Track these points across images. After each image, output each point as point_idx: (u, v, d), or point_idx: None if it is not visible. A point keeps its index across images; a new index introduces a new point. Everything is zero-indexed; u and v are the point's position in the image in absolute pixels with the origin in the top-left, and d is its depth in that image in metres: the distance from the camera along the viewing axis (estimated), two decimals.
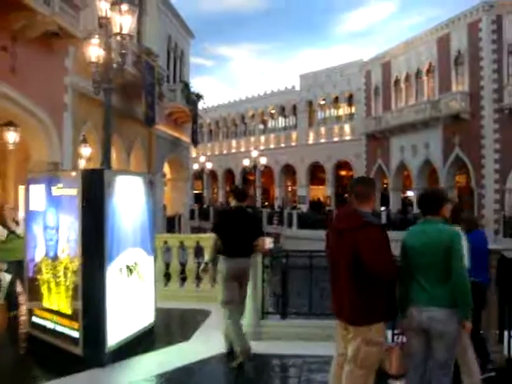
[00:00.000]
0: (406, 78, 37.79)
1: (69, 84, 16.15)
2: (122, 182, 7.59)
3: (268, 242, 8.00)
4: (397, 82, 38.81)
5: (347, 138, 44.91)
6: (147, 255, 8.34)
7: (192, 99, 27.83)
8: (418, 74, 36.57)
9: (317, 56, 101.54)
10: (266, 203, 52.37)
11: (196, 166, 50.09)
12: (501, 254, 7.02)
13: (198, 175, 52.39)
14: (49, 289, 7.64)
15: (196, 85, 30.96)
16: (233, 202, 7.35)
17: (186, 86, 27.20)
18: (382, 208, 38.85)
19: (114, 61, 10.45)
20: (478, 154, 30.25)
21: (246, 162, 45.53)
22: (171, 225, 27.64)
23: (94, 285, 6.99)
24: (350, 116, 45.59)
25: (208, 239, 8.71)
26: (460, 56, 32.37)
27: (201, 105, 32.51)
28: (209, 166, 51.86)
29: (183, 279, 11.63)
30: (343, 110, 46.20)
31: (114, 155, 20.97)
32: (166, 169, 29.28)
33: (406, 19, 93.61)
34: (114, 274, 7.25)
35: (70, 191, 7.26)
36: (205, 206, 51.76)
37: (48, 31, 14.12)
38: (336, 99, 46.26)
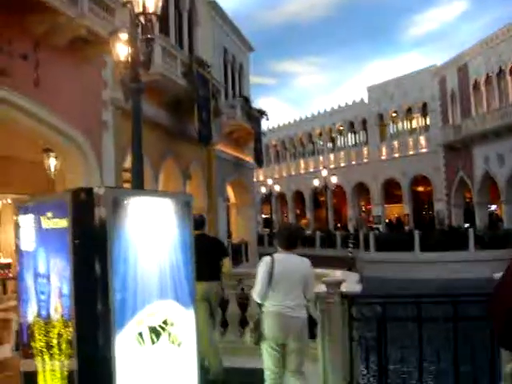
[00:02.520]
0: (487, 81, 34.49)
1: (108, 99, 14.10)
2: (139, 205, 5.22)
3: None
4: (476, 85, 35.52)
5: (423, 150, 41.74)
6: (184, 308, 5.85)
7: (254, 116, 25.64)
8: (501, 74, 33.20)
9: (385, 65, 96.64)
10: (339, 225, 49.51)
11: (263, 190, 47.95)
12: None
13: (266, 198, 50.18)
14: (43, 362, 5.33)
15: (259, 105, 29.24)
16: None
17: (247, 101, 25.04)
18: (466, 225, 35.50)
19: (140, 53, 8.14)
20: None
21: (316, 183, 43.06)
22: (237, 254, 25.29)
23: (94, 364, 4.64)
24: (425, 127, 42.43)
25: None
26: None
27: (265, 124, 30.35)
28: (277, 188, 49.55)
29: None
30: (417, 120, 43.09)
31: (168, 180, 18.97)
32: (230, 193, 27.10)
33: (479, 18, 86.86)
34: (128, 344, 4.85)
35: (60, 222, 4.96)
36: (274, 230, 49.35)
37: (78, 37, 12.09)
38: (408, 110, 43.23)
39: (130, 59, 8.36)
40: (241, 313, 8.99)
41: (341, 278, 6.03)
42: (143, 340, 5.07)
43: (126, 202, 4.98)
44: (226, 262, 7.52)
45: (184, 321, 5.80)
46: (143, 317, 5.08)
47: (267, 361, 5.49)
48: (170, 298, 5.58)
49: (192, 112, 18.15)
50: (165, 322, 5.45)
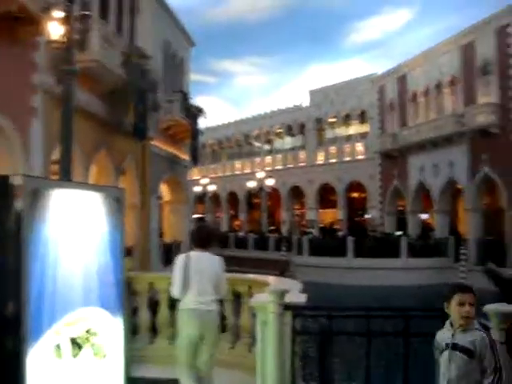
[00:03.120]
0: (425, 92, 34.89)
1: (39, 84, 13.15)
2: (63, 198, 4.54)
3: None
4: (414, 96, 35.91)
5: (360, 157, 41.99)
6: (111, 316, 5.20)
7: (192, 113, 24.92)
8: (439, 86, 33.66)
9: (326, 70, 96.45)
10: (272, 228, 49.28)
11: (198, 189, 47.20)
12: None
13: (200, 198, 49.45)
14: None
15: (197, 103, 28.44)
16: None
17: (186, 97, 24.31)
18: (398, 232, 35.85)
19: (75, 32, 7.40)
20: (510, 171, 27.16)
21: (251, 184, 42.70)
22: (169, 254, 24.48)
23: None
24: (363, 134, 42.68)
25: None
26: (487, 65, 29.45)
27: (203, 122, 29.63)
28: (211, 188, 48.88)
29: None
30: (355, 127, 43.31)
31: (100, 174, 18.10)
32: (164, 190, 26.29)
33: (423, 28, 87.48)
34: (43, 358, 4.18)
35: None
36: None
37: (8, 13, 11.14)
38: (347, 116, 43.41)
39: (63, 38, 7.62)
40: (152, 318, 8.41)
41: (285, 288, 5.50)
42: (62, 353, 4.42)
43: (47, 193, 4.32)
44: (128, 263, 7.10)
45: (110, 330, 5.17)
46: (63, 326, 4.43)
47: (182, 355, 5.83)
48: (96, 304, 4.94)
49: (128, 104, 17.33)
50: (88, 332, 4.80)
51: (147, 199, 21.22)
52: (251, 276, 8.64)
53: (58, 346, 4.37)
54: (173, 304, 9.18)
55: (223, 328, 6.19)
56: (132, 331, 8.52)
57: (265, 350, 5.53)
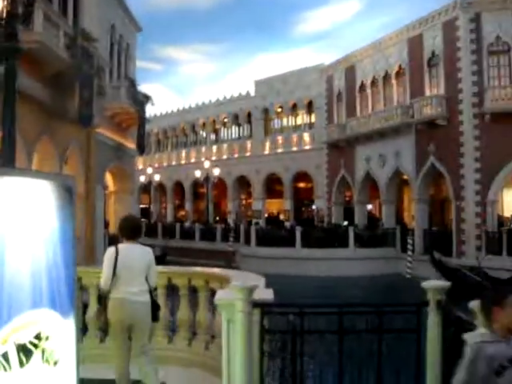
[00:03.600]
0: (373, 83, 34.98)
1: None
2: (7, 188, 3.98)
3: None
4: (362, 86, 35.96)
5: (306, 147, 41.88)
6: (62, 317, 4.67)
7: (139, 100, 24.17)
8: (387, 77, 33.77)
9: (274, 60, 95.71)
10: (218, 218, 48.85)
11: (143, 179, 46.30)
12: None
13: (145, 188, 48.52)
14: None
15: (143, 91, 27.61)
16: None
17: (132, 83, 23.57)
18: (345, 222, 36.02)
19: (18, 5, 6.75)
20: (456, 163, 27.53)
21: (197, 174, 42.14)
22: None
23: None
24: (310, 124, 42.63)
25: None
26: (434, 57, 29.69)
27: (148, 110, 28.88)
28: (157, 178, 48.02)
29: None
30: (302, 117, 43.19)
31: (42, 163, 17.29)
32: (109, 180, 25.49)
33: (372, 20, 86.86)
34: None
35: None
36: (152, 221, 47.84)
37: None
38: (294, 106, 43.20)
39: (5, 12, 6.97)
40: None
41: (253, 284, 5.10)
42: (9, 363, 3.88)
43: None
44: None
45: (62, 333, 4.64)
46: (9, 332, 3.92)
47: (113, 347, 5.95)
48: (46, 306, 4.40)
49: (73, 89, 16.55)
50: (38, 337, 4.26)
51: (92, 188, 20.48)
52: (209, 270, 8.20)
53: (4, 356, 3.85)
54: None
55: (155, 317, 6.08)
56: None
57: (231, 350, 5.13)
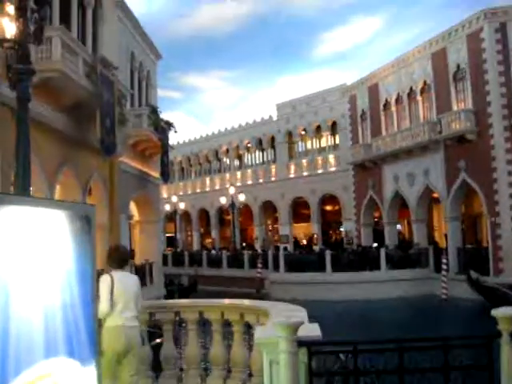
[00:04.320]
0: (397, 100, 34.35)
1: None
2: (16, 218, 3.43)
3: None
4: (386, 104, 35.35)
5: (332, 169, 41.28)
6: (81, 365, 4.07)
7: (161, 127, 23.80)
8: (411, 94, 33.13)
9: (295, 82, 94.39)
10: (244, 244, 48.20)
11: (168, 207, 45.97)
12: None
13: (170, 216, 48.19)
14: None
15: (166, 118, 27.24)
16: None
17: (154, 110, 23.19)
18: (375, 244, 35.19)
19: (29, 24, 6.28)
20: (488, 178, 26.66)
21: (223, 201, 41.73)
22: (141, 276, 23.23)
23: None
24: (335, 146, 42.05)
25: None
26: (460, 71, 29.01)
27: (172, 138, 28.54)
28: (181, 206, 47.65)
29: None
30: (326, 139, 42.65)
31: (64, 194, 16.90)
32: (133, 209, 25.07)
33: (393, 37, 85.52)
34: None
35: None
36: (178, 249, 47.37)
37: None
38: (318, 128, 42.72)
39: (16, 33, 6.51)
40: None
41: (297, 320, 4.46)
42: None
43: None
44: None
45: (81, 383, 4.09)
46: None
47: (106, 372, 5.70)
48: (62, 353, 3.82)
49: (94, 118, 16.16)
50: None
51: (116, 219, 19.99)
52: (244, 302, 7.56)
53: None
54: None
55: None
56: None
57: None
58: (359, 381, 4.51)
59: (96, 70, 15.72)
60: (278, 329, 4.33)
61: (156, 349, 7.78)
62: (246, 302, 7.56)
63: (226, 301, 7.84)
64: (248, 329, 7.38)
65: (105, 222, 19.38)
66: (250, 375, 7.02)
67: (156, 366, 7.51)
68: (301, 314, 5.82)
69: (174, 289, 28.96)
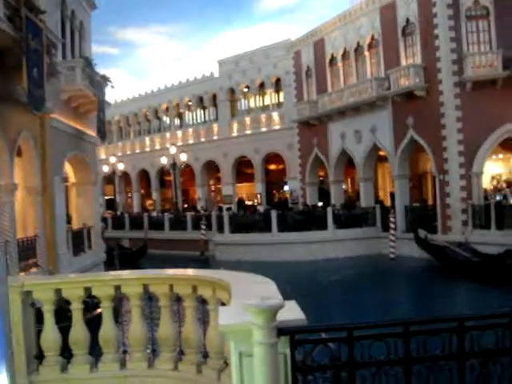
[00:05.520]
0: (344, 56, 33.39)
1: None
2: None
3: None
4: (332, 60, 34.36)
5: (276, 127, 40.26)
6: None
7: (97, 82, 22.10)
8: (358, 49, 32.21)
9: (238, 37, 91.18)
10: (186, 205, 46.97)
11: (106, 169, 44.14)
12: None
13: (109, 178, 46.37)
14: None
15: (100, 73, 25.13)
16: None
17: (89, 63, 21.44)
18: (320, 204, 34.63)
19: None
20: (437, 135, 26.17)
21: (163, 161, 40.23)
22: (79, 242, 21.82)
23: None
24: (279, 103, 40.96)
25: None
26: (409, 25, 28.19)
27: (109, 96, 26.83)
28: (120, 167, 45.87)
29: None
30: (270, 96, 41.43)
31: None
32: (69, 171, 23.45)
33: None
34: None
35: None
36: (118, 212, 45.75)
37: None
38: (261, 85, 41.43)
39: None
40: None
41: (278, 302, 3.40)
42: None
43: None
44: None
45: None
46: None
47: None
48: None
49: (19, 69, 14.48)
50: None
51: (50, 181, 18.44)
52: (197, 272, 6.45)
53: None
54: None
55: None
56: (37, 356, 6.38)
57: None
58: (355, 375, 3.53)
59: (20, 12, 14.00)
60: (252, 314, 3.27)
61: (92, 324, 6.66)
62: (201, 271, 6.46)
63: (176, 271, 6.72)
64: (202, 304, 6.33)
65: (37, 185, 17.88)
66: (205, 356, 5.98)
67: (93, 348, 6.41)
68: (272, 288, 4.76)
69: (114, 253, 27.56)
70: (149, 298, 6.50)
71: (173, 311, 6.36)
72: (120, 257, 30.20)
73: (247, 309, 3.28)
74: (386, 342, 3.53)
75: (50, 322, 6.27)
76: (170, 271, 6.77)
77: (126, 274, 6.96)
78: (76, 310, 6.29)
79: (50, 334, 6.25)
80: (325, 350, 3.58)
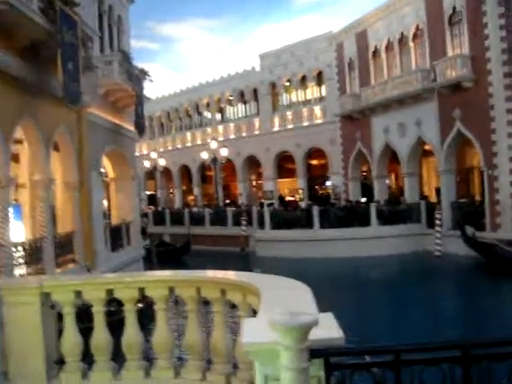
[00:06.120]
0: (388, 47, 32.42)
1: None
2: None
3: None
4: (376, 52, 33.43)
5: (318, 121, 39.47)
6: None
7: (135, 76, 21.81)
8: (403, 40, 31.19)
9: (278, 30, 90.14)
10: (228, 201, 46.61)
11: (148, 164, 44.15)
12: None
13: (151, 174, 46.37)
14: None
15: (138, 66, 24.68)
16: None
17: (127, 57, 21.17)
18: (363, 199, 33.83)
19: None
20: (486, 128, 25.07)
21: (204, 156, 39.97)
22: (117, 237, 21.62)
23: None
24: (321, 97, 40.17)
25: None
26: (456, 14, 27.06)
27: (149, 90, 26.54)
28: (162, 162, 45.72)
29: None
30: (312, 90, 40.64)
31: (24, 150, 15.13)
32: (107, 166, 23.28)
33: None
34: None
35: None
36: (160, 208, 45.71)
37: None
38: (303, 79, 40.68)
39: None
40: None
41: (311, 318, 2.85)
42: None
43: None
44: None
45: None
46: None
47: None
48: None
49: (55, 62, 14.21)
50: None
51: (87, 177, 18.24)
52: (227, 274, 5.90)
53: None
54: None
55: None
56: (57, 361, 5.99)
57: None
58: None
59: (54, 5, 13.71)
60: (279, 333, 2.73)
61: (115, 328, 6.20)
62: (231, 274, 5.92)
63: (205, 273, 6.20)
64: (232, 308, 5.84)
65: (74, 180, 17.69)
66: (235, 367, 5.45)
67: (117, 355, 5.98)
68: (307, 296, 4.20)
69: (150, 248, 27.36)
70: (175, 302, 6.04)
71: (201, 316, 5.89)
72: (163, 253, 30.12)
73: (273, 326, 2.74)
74: (440, 367, 2.94)
75: (71, 325, 5.86)
76: (199, 273, 6.26)
77: (150, 275, 6.51)
78: (98, 313, 5.87)
79: (71, 338, 5.85)
80: (367, 375, 3.01)
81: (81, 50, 15.57)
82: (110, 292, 5.82)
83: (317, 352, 2.81)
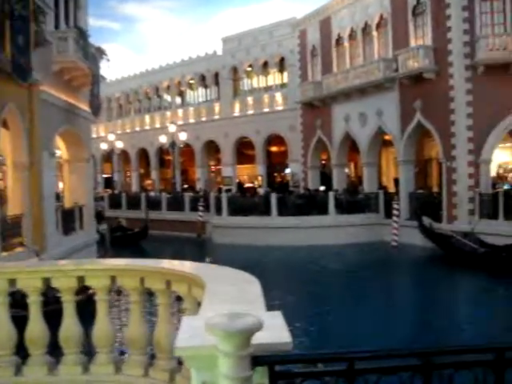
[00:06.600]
0: (351, 36, 32.22)
1: None
2: None
3: None
4: (339, 40, 33.19)
5: (279, 108, 39.22)
6: None
7: (91, 54, 21.09)
8: (366, 29, 31.00)
9: (242, 14, 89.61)
10: (186, 186, 46.04)
11: (104, 146, 43.21)
12: None
13: (108, 156, 45.46)
14: None
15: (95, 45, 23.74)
16: None
17: (83, 34, 20.42)
18: (322, 188, 33.71)
19: None
20: (446, 120, 25.09)
21: (163, 139, 39.32)
22: (70, 221, 20.96)
23: None
24: (282, 83, 39.87)
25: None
26: (420, 4, 26.93)
27: (108, 72, 25.77)
28: (119, 145, 44.86)
29: None
30: (273, 76, 40.30)
31: None
32: (61, 147, 22.54)
33: None
34: None
35: None
36: (116, 191, 44.87)
37: None
38: (265, 64, 40.31)
39: None
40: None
41: (253, 322, 2.50)
42: None
43: None
44: None
45: None
46: None
47: None
48: None
49: (3, 34, 13.52)
50: None
51: (38, 157, 17.55)
52: (172, 264, 5.52)
53: None
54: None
55: None
56: None
57: None
58: None
59: None
60: (218, 338, 2.38)
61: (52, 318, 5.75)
62: (176, 264, 5.53)
63: (149, 262, 5.80)
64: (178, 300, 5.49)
65: (24, 161, 17.01)
66: (180, 363, 5.09)
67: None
68: (255, 289, 3.86)
69: (103, 233, 26.67)
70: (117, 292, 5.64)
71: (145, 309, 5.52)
72: (120, 238, 29.59)
73: (211, 331, 2.38)
74: (399, 377, 2.63)
75: (4, 316, 5.41)
76: (142, 261, 5.86)
77: (89, 263, 6.06)
78: (34, 303, 5.43)
79: (3, 329, 5.40)
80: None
81: (32, 23, 14.87)
82: (46, 281, 5.39)
83: (260, 359, 2.48)
